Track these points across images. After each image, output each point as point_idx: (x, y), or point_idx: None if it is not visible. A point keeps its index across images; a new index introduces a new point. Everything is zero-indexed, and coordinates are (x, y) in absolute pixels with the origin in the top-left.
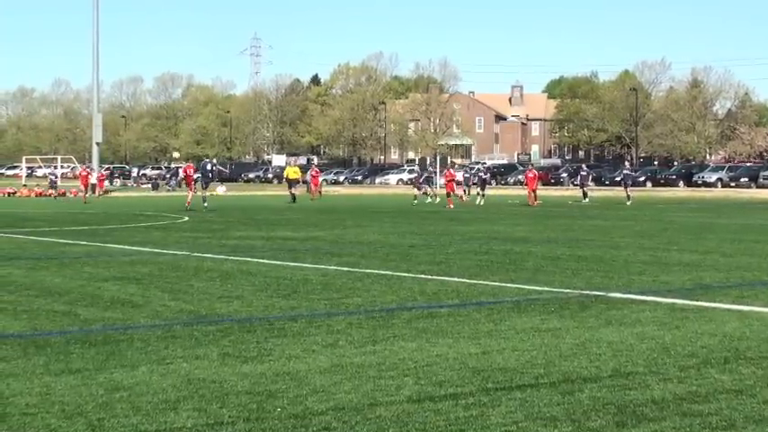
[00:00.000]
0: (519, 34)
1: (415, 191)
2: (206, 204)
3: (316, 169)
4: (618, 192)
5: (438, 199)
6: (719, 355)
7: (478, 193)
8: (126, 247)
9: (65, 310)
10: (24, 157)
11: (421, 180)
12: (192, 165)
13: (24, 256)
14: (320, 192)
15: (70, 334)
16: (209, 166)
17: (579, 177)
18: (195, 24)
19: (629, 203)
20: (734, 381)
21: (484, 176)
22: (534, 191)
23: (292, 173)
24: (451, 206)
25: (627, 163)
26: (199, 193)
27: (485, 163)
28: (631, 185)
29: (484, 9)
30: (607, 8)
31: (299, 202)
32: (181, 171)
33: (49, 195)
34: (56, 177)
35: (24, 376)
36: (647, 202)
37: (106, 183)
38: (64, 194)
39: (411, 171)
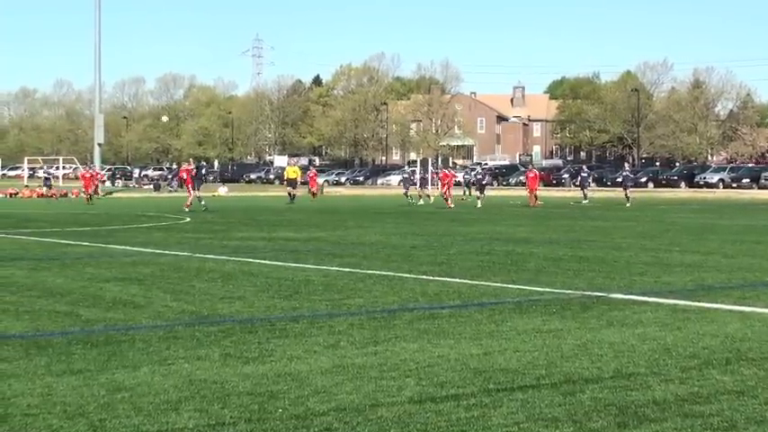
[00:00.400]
0: (520, 35)
1: (408, 191)
2: (203, 203)
3: (313, 170)
4: (619, 193)
5: (432, 199)
6: (721, 356)
7: (478, 197)
8: (128, 247)
9: (67, 311)
10: (26, 158)
11: (414, 182)
12: (189, 167)
13: (26, 256)
14: (315, 193)
15: (72, 335)
16: (203, 171)
17: (580, 178)
18: (197, 25)
19: (628, 205)
20: (735, 382)
21: (482, 179)
22: (534, 191)
23: (292, 172)
24: (451, 206)
25: (626, 164)
26: (198, 194)
27: (485, 164)
28: (632, 187)
29: (485, 10)
30: (608, 8)
31: (299, 203)
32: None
33: (50, 196)
34: (49, 176)
35: (26, 377)
36: (649, 202)
37: (107, 184)
38: (65, 195)
39: (403, 173)
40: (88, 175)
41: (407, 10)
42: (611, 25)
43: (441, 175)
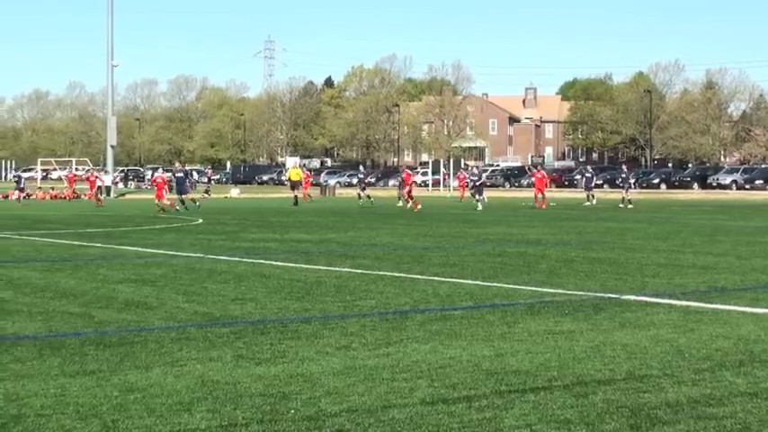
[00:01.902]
0: (532, 36)
1: (359, 192)
2: (184, 205)
3: (307, 172)
4: (629, 194)
5: (400, 202)
6: (734, 358)
7: (476, 199)
8: (140, 249)
9: (80, 312)
10: (39, 160)
11: (365, 182)
12: (165, 176)
13: (40, 258)
14: (311, 195)
15: (85, 335)
16: (191, 176)
17: (584, 180)
18: (209, 27)
19: (624, 206)
20: (749, 384)
21: (477, 180)
22: (541, 192)
23: (294, 174)
24: (400, 205)
25: (623, 166)
26: (181, 198)
27: (486, 165)
28: (632, 189)
29: (497, 11)
30: (620, 9)
31: (303, 205)
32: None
33: (17, 200)
34: (21, 180)
35: (39, 377)
36: (662, 204)
37: (119, 185)
38: (78, 197)
39: (359, 173)
40: (93, 178)
41: (419, 11)
42: (623, 26)
43: (404, 176)
